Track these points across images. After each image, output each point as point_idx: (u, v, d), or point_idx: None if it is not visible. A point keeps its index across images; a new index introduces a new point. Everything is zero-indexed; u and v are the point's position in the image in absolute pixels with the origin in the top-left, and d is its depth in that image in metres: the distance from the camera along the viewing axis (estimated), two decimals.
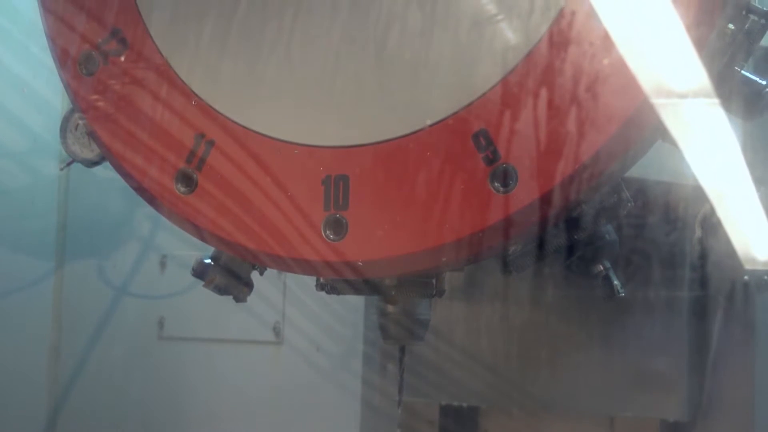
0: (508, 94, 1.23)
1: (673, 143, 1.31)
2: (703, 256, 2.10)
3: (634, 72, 1.18)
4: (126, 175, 1.48)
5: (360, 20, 1.33)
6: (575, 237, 1.35)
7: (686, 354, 2.13)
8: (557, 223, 1.32)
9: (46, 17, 1.53)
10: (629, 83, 1.18)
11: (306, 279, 1.50)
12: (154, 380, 2.93)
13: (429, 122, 1.27)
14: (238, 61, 1.40)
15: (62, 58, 1.50)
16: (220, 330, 2.84)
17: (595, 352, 2.19)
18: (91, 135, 1.52)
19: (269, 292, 2.74)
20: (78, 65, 1.48)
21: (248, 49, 1.40)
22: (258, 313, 2.77)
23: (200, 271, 1.56)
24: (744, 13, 1.26)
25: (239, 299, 1.60)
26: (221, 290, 1.57)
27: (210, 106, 1.40)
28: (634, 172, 1.33)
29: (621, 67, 1.18)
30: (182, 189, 1.41)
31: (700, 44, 1.19)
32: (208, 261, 1.56)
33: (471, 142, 1.25)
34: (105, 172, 1.58)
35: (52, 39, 1.52)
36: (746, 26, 1.25)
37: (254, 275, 1.61)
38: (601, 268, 1.48)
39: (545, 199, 1.22)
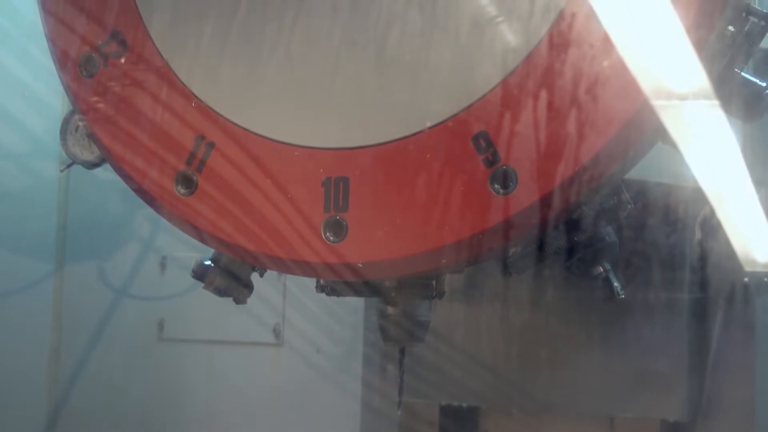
0: (508, 95, 1.23)
1: (673, 145, 1.30)
2: (703, 258, 2.10)
3: (634, 74, 1.18)
4: (126, 176, 1.48)
5: (360, 22, 1.33)
6: (575, 239, 1.35)
7: (686, 355, 2.13)
8: (557, 225, 1.32)
9: (46, 19, 1.53)
10: (629, 85, 1.18)
11: (306, 281, 1.50)
12: (154, 381, 2.93)
13: (429, 124, 1.27)
14: (238, 63, 1.40)
15: (62, 59, 1.50)
16: (220, 331, 2.83)
17: (595, 352, 2.18)
18: (91, 137, 1.52)
19: (269, 293, 2.74)
20: (78, 67, 1.48)
21: (248, 50, 1.39)
22: (258, 315, 2.77)
23: (200, 273, 1.56)
24: (744, 14, 1.26)
25: (239, 301, 1.60)
26: (221, 292, 1.57)
27: (210, 108, 1.40)
28: (634, 173, 1.33)
29: (621, 69, 1.18)
30: (182, 191, 1.41)
31: (699, 46, 1.19)
32: (208, 263, 1.56)
33: (471, 143, 1.25)
34: (105, 173, 1.58)
35: (52, 41, 1.52)
36: (746, 28, 1.25)
37: (254, 277, 1.61)
38: (601, 269, 1.47)
39: (545, 201, 1.22)
